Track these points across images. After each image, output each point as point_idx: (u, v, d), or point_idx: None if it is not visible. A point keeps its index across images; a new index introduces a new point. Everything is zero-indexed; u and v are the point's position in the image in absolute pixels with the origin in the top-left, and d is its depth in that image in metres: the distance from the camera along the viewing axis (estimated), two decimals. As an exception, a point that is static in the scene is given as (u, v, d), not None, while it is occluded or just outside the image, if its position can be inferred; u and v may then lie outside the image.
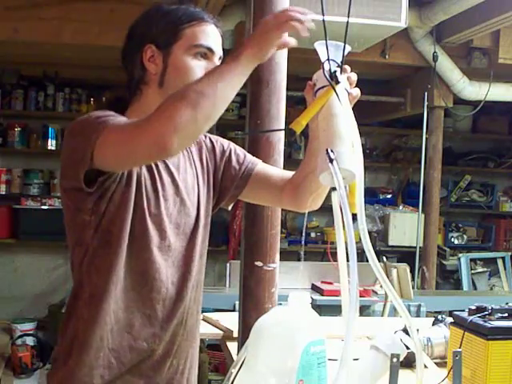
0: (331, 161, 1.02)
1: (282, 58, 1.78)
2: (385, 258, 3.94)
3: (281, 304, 1.68)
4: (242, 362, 1.15)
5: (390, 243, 5.67)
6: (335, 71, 1.17)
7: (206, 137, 1.63)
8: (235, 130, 5.54)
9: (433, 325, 1.95)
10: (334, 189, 1.01)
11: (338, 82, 1.16)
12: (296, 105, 5.53)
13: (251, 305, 1.79)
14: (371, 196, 6.01)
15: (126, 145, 1.28)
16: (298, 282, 3.88)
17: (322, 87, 1.18)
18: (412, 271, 3.79)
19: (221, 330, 2.26)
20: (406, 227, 5.59)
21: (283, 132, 1.81)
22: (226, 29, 3.74)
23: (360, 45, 3.57)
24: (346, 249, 0.98)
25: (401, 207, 5.92)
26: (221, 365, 3.97)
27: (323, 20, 1.15)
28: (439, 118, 4.78)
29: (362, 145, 1.18)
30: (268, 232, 1.78)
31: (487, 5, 3.51)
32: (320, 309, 3.37)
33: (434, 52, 4.29)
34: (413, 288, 3.57)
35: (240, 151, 1.64)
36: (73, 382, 1.43)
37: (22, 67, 5.43)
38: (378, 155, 6.18)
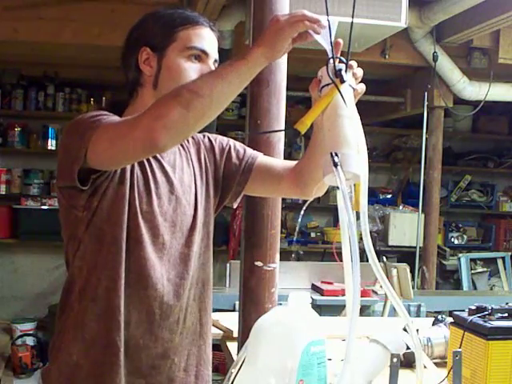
0: (335, 165, 1.02)
1: (282, 58, 1.77)
2: (385, 258, 3.95)
3: (281, 304, 1.68)
4: (242, 362, 1.15)
5: (390, 243, 5.67)
6: (340, 69, 1.15)
7: (204, 136, 1.65)
8: (235, 130, 5.54)
9: (433, 325, 1.95)
10: (338, 188, 1.02)
11: (343, 81, 1.14)
12: (296, 105, 5.55)
13: (251, 305, 1.79)
14: (371, 196, 6.01)
15: (118, 141, 1.30)
16: (297, 281, 3.88)
17: (328, 84, 1.17)
18: (412, 271, 3.79)
19: (221, 330, 2.26)
20: (405, 227, 5.59)
21: (283, 132, 1.81)
22: (225, 29, 3.74)
23: (360, 45, 3.57)
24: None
25: (401, 207, 5.92)
26: (221, 365, 3.97)
27: (328, 20, 1.15)
28: (439, 118, 4.78)
29: (363, 145, 1.17)
30: (268, 232, 1.78)
31: (487, 5, 3.51)
32: (320, 309, 3.38)
33: (434, 52, 4.29)
34: (413, 288, 3.57)
35: (240, 147, 1.64)
36: (66, 379, 1.44)
37: (21, 67, 5.43)
38: (378, 155, 6.18)
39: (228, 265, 4.13)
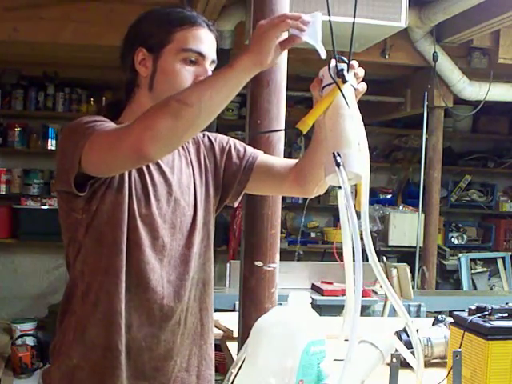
0: (338, 165, 1.02)
1: (282, 59, 1.77)
2: (385, 258, 3.95)
3: (281, 304, 1.67)
4: (242, 362, 1.15)
5: (390, 243, 5.67)
6: (342, 69, 1.14)
7: (204, 135, 1.63)
8: (235, 130, 5.54)
9: (433, 325, 1.95)
10: (340, 187, 1.02)
11: (345, 81, 1.13)
12: (296, 105, 5.55)
13: (251, 305, 1.79)
14: (371, 196, 5.99)
15: (109, 151, 1.30)
16: (297, 281, 3.88)
17: (329, 84, 1.16)
18: (412, 271, 3.79)
19: (221, 329, 2.26)
20: (405, 227, 5.59)
21: (283, 132, 1.81)
22: (225, 29, 3.74)
23: (360, 45, 3.57)
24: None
25: (401, 207, 5.91)
26: (221, 365, 3.95)
27: (329, 20, 1.14)
28: (439, 118, 4.78)
29: (363, 145, 1.17)
30: (268, 232, 1.78)
31: (487, 5, 3.51)
32: (320, 309, 3.38)
33: (434, 52, 4.29)
34: (413, 288, 3.57)
35: (240, 145, 1.63)
36: (66, 381, 1.44)
37: (21, 67, 5.43)
38: (378, 155, 6.18)
39: (228, 265, 4.13)
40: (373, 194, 6.10)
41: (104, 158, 1.32)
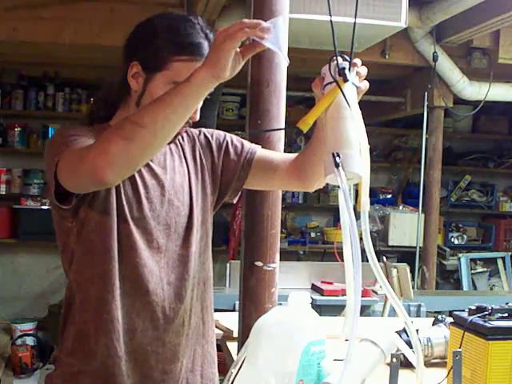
0: (337, 165, 1.02)
1: (282, 59, 1.77)
2: (385, 258, 3.94)
3: (281, 304, 1.67)
4: (242, 362, 1.15)
5: (390, 243, 5.67)
6: (343, 68, 1.13)
7: (200, 132, 1.61)
8: (235, 130, 5.55)
9: (433, 325, 1.95)
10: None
11: (346, 80, 1.12)
12: (296, 105, 5.55)
13: (251, 305, 1.79)
14: (371, 196, 5.99)
15: (72, 172, 1.29)
16: (297, 281, 3.88)
17: (330, 83, 1.14)
18: (412, 271, 3.79)
19: (221, 329, 2.25)
20: (405, 227, 5.59)
21: (283, 132, 1.81)
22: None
23: (360, 45, 3.57)
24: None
25: (401, 207, 5.92)
26: (221, 365, 3.96)
27: (331, 20, 1.14)
28: (439, 118, 4.79)
29: (363, 144, 1.17)
30: (268, 232, 1.78)
31: (487, 5, 3.51)
32: (320, 309, 3.38)
33: (434, 52, 4.29)
34: (413, 288, 3.57)
35: (237, 141, 1.60)
36: None
37: (21, 67, 5.43)
38: (378, 155, 6.18)
39: (228, 265, 4.13)
40: (373, 194, 6.11)
41: (70, 179, 1.31)
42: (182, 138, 1.58)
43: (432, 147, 4.78)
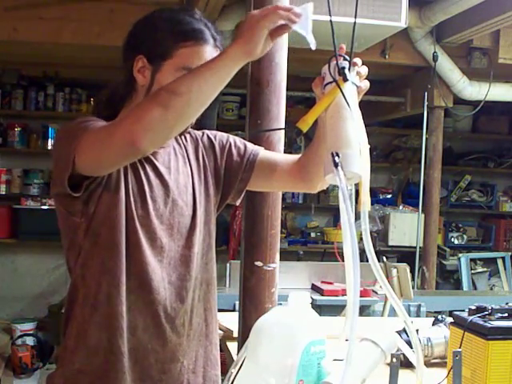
0: (336, 165, 1.02)
1: (282, 59, 1.78)
2: (385, 258, 3.94)
3: (281, 304, 1.67)
4: (242, 362, 1.15)
5: (390, 243, 5.67)
6: (343, 67, 1.13)
7: (203, 134, 1.62)
8: (235, 130, 5.54)
9: (433, 325, 1.95)
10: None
11: (346, 80, 1.12)
12: (296, 105, 5.55)
13: (251, 305, 1.79)
14: (371, 196, 5.97)
15: (101, 147, 1.29)
16: (297, 281, 3.88)
17: (331, 82, 1.15)
18: (412, 271, 3.79)
19: (221, 329, 2.25)
20: (405, 227, 5.59)
21: (283, 132, 1.81)
22: (225, 29, 3.74)
23: (360, 45, 3.57)
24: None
25: (401, 207, 5.92)
26: (221, 365, 3.96)
27: (330, 20, 1.14)
28: (439, 118, 4.78)
29: (363, 145, 1.16)
30: (268, 232, 1.78)
31: (487, 5, 3.51)
32: (320, 309, 3.38)
33: (434, 52, 4.29)
34: (413, 288, 3.57)
35: (240, 143, 1.61)
36: None
37: (21, 67, 5.43)
38: (377, 155, 6.18)
39: (228, 265, 4.13)
40: (373, 193, 6.10)
41: (97, 155, 1.31)
42: (186, 138, 1.58)
43: (432, 147, 4.78)
